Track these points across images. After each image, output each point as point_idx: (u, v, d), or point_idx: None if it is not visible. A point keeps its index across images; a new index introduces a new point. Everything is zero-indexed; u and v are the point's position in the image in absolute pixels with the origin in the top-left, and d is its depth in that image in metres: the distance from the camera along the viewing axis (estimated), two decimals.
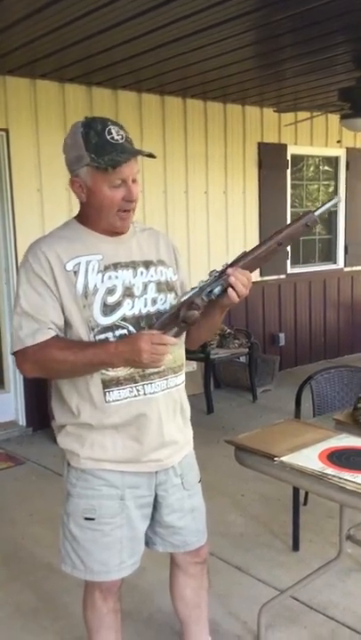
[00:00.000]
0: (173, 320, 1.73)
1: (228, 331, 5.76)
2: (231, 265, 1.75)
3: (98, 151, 1.68)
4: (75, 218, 1.87)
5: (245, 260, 1.75)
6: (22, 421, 5.07)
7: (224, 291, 1.73)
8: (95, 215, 1.78)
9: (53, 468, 4.16)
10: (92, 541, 1.85)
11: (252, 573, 2.95)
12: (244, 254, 1.77)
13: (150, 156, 1.75)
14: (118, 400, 1.78)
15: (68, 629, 2.58)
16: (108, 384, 1.77)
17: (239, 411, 5.50)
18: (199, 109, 5.83)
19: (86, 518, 1.84)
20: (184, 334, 1.84)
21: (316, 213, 1.80)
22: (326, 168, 7.26)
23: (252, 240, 6.27)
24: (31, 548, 3.26)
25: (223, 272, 1.73)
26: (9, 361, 5.04)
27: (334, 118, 6.66)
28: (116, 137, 1.69)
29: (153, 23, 3.58)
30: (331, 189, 7.30)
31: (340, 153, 7.12)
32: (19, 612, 2.73)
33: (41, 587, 2.91)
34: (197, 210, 5.92)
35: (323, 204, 1.86)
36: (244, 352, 5.76)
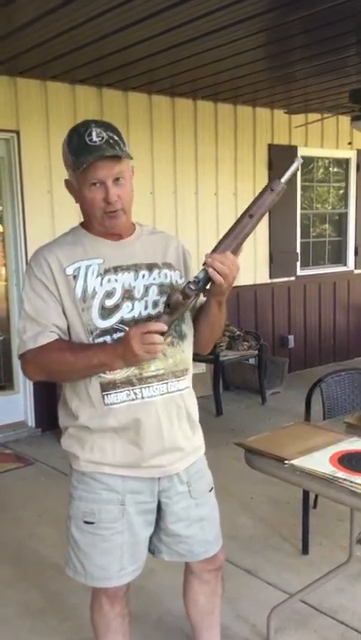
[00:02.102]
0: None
1: (238, 332, 5.75)
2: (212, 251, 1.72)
3: (76, 153, 1.72)
4: (80, 224, 1.89)
5: (223, 243, 1.71)
6: (31, 422, 5.08)
7: (209, 278, 1.69)
8: (88, 218, 1.82)
9: (62, 469, 4.16)
10: (91, 546, 1.83)
11: (262, 576, 2.94)
12: (222, 237, 1.73)
13: (123, 157, 1.73)
14: (116, 403, 1.77)
15: (75, 630, 2.58)
16: (105, 387, 1.77)
17: (248, 413, 5.48)
18: (210, 111, 5.83)
19: (86, 522, 1.83)
20: (190, 337, 1.84)
21: (283, 179, 1.72)
22: (337, 170, 7.23)
23: (263, 242, 6.27)
24: (39, 548, 3.27)
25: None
26: (18, 362, 5.05)
27: (345, 120, 6.65)
28: (95, 139, 1.70)
29: (165, 24, 3.58)
30: (341, 191, 7.27)
31: (351, 155, 7.09)
32: (26, 612, 2.73)
33: (48, 587, 2.91)
34: (207, 211, 5.91)
35: (287, 169, 1.76)
36: (254, 354, 5.75)
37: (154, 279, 1.83)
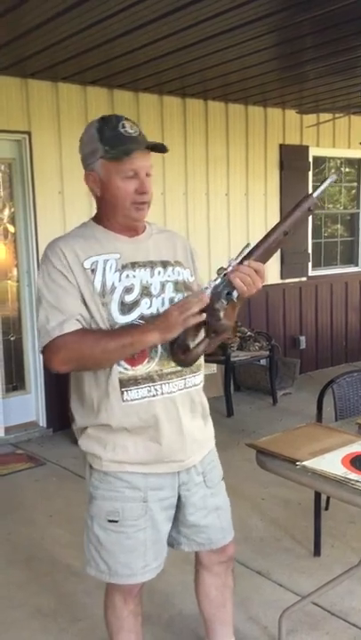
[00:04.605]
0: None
1: (249, 333, 5.73)
2: (240, 261, 1.74)
3: (111, 143, 1.72)
4: (92, 219, 1.89)
5: (254, 254, 1.75)
6: (43, 422, 5.09)
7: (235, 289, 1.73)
8: (111, 210, 1.80)
9: (74, 470, 4.17)
10: (115, 544, 1.85)
11: (273, 578, 2.93)
12: (253, 248, 1.76)
13: (162, 149, 1.78)
14: (136, 399, 1.77)
15: (87, 631, 2.58)
16: (125, 383, 1.77)
17: (259, 414, 5.47)
18: (220, 111, 5.82)
19: (110, 520, 1.84)
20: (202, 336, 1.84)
21: (315, 195, 1.79)
22: (348, 169, 7.20)
23: None
24: (51, 549, 3.27)
25: (232, 270, 1.74)
26: (30, 362, 5.08)
27: (357, 120, 6.63)
28: (129, 130, 1.74)
29: (175, 25, 3.58)
30: (353, 191, 7.24)
31: None
32: (39, 613, 2.74)
33: (60, 588, 2.91)
34: (218, 212, 5.91)
35: (320, 185, 1.83)
36: (265, 355, 5.73)
37: (169, 276, 1.86)
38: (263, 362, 5.86)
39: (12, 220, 4.93)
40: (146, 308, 1.79)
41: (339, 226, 7.19)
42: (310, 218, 6.58)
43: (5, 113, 4.62)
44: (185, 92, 5.40)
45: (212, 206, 5.86)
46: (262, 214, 6.24)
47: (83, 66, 4.41)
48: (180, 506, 1.93)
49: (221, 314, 1.71)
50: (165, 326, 1.69)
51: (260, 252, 1.75)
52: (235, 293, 1.72)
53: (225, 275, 1.74)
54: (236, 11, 3.37)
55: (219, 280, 1.74)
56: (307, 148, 6.49)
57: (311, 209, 1.78)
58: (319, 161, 6.79)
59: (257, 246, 1.76)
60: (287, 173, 6.35)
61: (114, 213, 1.80)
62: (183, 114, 5.57)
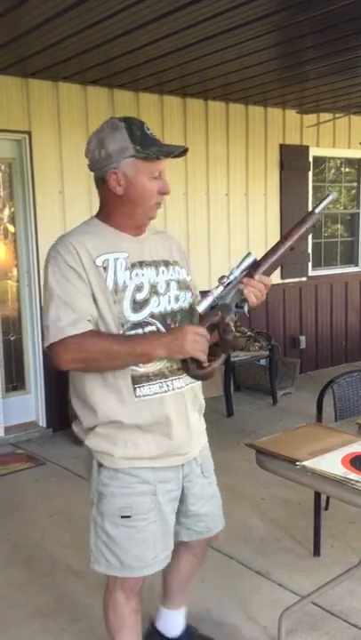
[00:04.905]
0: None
1: (249, 333, 5.73)
2: (247, 274, 1.81)
3: (143, 143, 1.78)
4: (96, 217, 1.90)
5: (262, 267, 1.82)
6: (43, 422, 5.09)
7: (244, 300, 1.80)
8: (131, 209, 1.83)
9: (73, 470, 4.17)
10: (127, 538, 1.87)
11: (273, 578, 2.93)
12: (260, 261, 1.83)
13: (183, 153, 1.87)
14: (149, 395, 1.81)
15: (87, 631, 2.58)
16: (138, 380, 1.80)
17: (259, 414, 5.47)
18: (221, 111, 5.82)
19: (123, 516, 1.86)
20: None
21: (317, 211, 1.88)
22: (348, 170, 7.20)
23: (274, 242, 6.22)
24: (51, 549, 3.27)
25: (237, 281, 1.80)
26: (30, 362, 5.07)
27: (357, 120, 6.63)
28: (153, 133, 1.83)
29: (175, 25, 3.57)
30: (353, 191, 7.24)
31: None
32: (38, 612, 2.74)
33: (60, 588, 2.91)
34: (218, 211, 5.91)
35: (320, 202, 1.91)
36: (265, 355, 5.73)
37: (172, 275, 1.91)
38: (263, 362, 5.86)
39: (12, 220, 4.92)
40: (155, 306, 1.83)
41: (339, 226, 7.19)
42: None
43: (5, 113, 4.62)
44: (185, 92, 5.40)
45: (213, 206, 5.86)
46: (262, 214, 6.24)
47: (83, 65, 4.41)
48: (182, 497, 1.98)
49: (233, 327, 1.78)
50: (177, 349, 1.74)
51: (267, 266, 1.82)
52: (246, 307, 1.79)
53: (228, 284, 1.79)
54: (236, 10, 3.37)
55: (220, 288, 1.78)
56: (307, 147, 6.49)
57: (315, 225, 1.89)
58: (319, 161, 6.79)
59: (265, 259, 1.83)
60: (287, 173, 6.35)
61: (133, 211, 1.84)
62: (183, 113, 5.57)
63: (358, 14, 3.55)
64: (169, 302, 1.86)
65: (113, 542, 1.88)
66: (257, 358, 5.74)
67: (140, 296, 1.81)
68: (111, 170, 1.80)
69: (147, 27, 3.57)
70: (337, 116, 5.96)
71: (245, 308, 1.78)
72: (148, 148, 1.78)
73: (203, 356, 1.75)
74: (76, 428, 1.94)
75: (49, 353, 1.78)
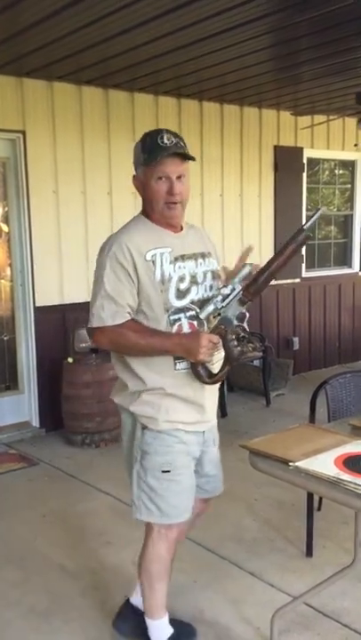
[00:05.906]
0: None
1: (242, 334, 5.72)
2: (245, 288, 2.12)
3: (148, 151, 2.09)
4: (141, 214, 2.21)
5: (259, 281, 2.11)
6: (36, 422, 5.08)
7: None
8: (151, 209, 2.14)
9: (66, 470, 4.16)
10: (167, 490, 2.17)
11: (266, 579, 2.93)
12: (256, 275, 2.11)
13: (190, 158, 2.12)
14: (185, 369, 2.13)
15: (80, 631, 2.57)
16: (178, 356, 2.12)
17: (252, 415, 5.48)
18: (215, 112, 5.83)
19: (163, 471, 2.16)
20: None
21: (306, 227, 2.12)
22: (342, 171, 7.22)
23: (268, 244, 6.25)
24: (44, 549, 3.26)
25: (237, 292, 2.11)
26: (23, 362, 5.06)
27: (351, 122, 6.63)
28: (166, 141, 2.07)
29: (172, 25, 3.58)
30: (347, 193, 7.26)
31: (357, 157, 7.08)
32: (31, 612, 2.73)
33: (53, 588, 2.91)
34: (212, 212, 5.91)
35: (310, 219, 2.14)
36: (258, 356, 5.73)
37: (207, 266, 2.24)
38: (256, 362, 5.86)
39: (6, 220, 4.91)
40: (195, 294, 2.16)
41: (332, 227, 7.21)
42: (303, 219, 6.60)
43: (0, 112, 4.61)
44: (180, 93, 5.41)
45: (206, 207, 5.86)
46: (256, 216, 6.25)
47: (79, 65, 4.41)
48: (199, 460, 2.28)
49: (236, 341, 2.10)
50: (193, 353, 2.07)
51: (263, 281, 2.11)
52: (247, 315, 2.11)
53: (227, 296, 2.10)
54: (233, 11, 3.37)
55: (220, 297, 2.10)
56: (301, 149, 6.50)
57: (305, 242, 2.15)
58: (313, 162, 6.81)
59: (260, 273, 2.10)
60: (282, 175, 6.37)
61: (153, 211, 2.15)
62: (178, 114, 5.57)
63: (354, 16, 3.56)
64: (205, 290, 2.19)
65: (154, 493, 2.17)
66: (250, 359, 5.74)
67: (182, 286, 2.13)
68: (134, 175, 2.17)
69: (147, 24, 3.56)
70: (331, 117, 5.98)
71: (245, 325, 2.10)
72: (150, 154, 2.06)
73: (209, 359, 2.08)
74: (117, 399, 2.24)
75: (89, 333, 2.19)
